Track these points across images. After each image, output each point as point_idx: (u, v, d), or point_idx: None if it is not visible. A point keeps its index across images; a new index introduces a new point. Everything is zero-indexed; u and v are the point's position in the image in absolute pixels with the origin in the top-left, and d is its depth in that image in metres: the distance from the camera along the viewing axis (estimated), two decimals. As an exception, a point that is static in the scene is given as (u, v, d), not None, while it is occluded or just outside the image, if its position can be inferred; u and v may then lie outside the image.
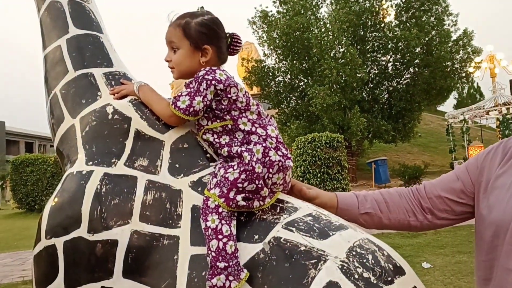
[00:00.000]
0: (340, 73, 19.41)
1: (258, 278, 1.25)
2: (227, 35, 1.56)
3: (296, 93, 22.98)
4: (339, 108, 19.95)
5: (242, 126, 1.43)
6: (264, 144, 1.38)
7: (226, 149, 1.42)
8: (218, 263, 1.25)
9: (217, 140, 1.45)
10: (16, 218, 15.96)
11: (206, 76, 1.42)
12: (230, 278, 1.24)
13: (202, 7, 1.58)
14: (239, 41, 1.58)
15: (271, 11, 22.32)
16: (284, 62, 22.66)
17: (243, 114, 1.44)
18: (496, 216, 1.31)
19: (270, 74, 22.84)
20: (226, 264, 1.25)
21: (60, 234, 1.40)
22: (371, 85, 22.50)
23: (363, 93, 21.90)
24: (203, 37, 1.49)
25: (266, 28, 22.15)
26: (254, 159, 1.34)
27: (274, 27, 21.51)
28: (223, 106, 1.43)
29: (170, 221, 1.39)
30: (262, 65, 22.99)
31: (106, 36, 1.79)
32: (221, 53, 1.54)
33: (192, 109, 1.41)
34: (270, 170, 1.36)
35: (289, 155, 1.43)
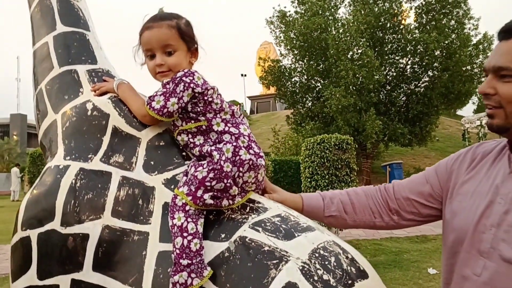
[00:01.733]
0: (357, 75, 19.26)
1: (222, 276, 1.26)
2: None
3: (312, 94, 22.84)
4: (354, 110, 19.79)
5: (215, 127, 1.44)
6: (234, 144, 1.39)
7: (198, 149, 1.43)
8: (181, 260, 1.27)
9: (191, 140, 1.47)
10: (32, 210, 16.23)
11: (184, 78, 1.42)
12: (192, 275, 1.25)
13: (162, 9, 1.58)
14: None
15: (289, 11, 22.28)
16: (300, 62, 22.55)
17: (218, 115, 1.45)
18: (458, 223, 1.32)
19: (287, 74, 22.77)
20: (189, 262, 1.26)
21: (34, 226, 1.44)
22: (388, 88, 22.26)
23: (380, 96, 21.68)
24: (195, 37, 1.54)
25: (283, 28, 22.09)
26: (223, 158, 1.35)
27: (291, 27, 21.42)
28: (198, 109, 1.44)
29: (141, 217, 1.42)
30: (279, 65, 22.96)
31: (93, 34, 1.82)
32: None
33: (166, 110, 1.42)
34: (241, 168, 1.37)
35: (261, 154, 1.44)
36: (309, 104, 22.99)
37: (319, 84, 22.44)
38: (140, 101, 1.53)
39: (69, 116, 1.61)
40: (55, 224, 1.42)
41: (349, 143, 7.56)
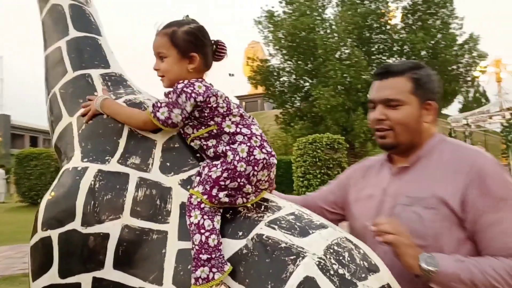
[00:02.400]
0: (345, 75, 19.43)
1: (241, 272, 1.32)
2: (212, 42, 1.62)
3: (300, 94, 22.98)
4: (343, 110, 19.97)
5: (227, 129, 1.49)
6: (249, 144, 1.45)
7: (212, 150, 1.49)
8: (201, 255, 1.32)
9: (204, 143, 1.52)
10: (19, 211, 16.10)
11: (185, 89, 1.48)
12: (214, 270, 1.31)
13: (188, 16, 1.64)
14: (224, 47, 1.64)
15: (277, 11, 22.37)
16: (289, 62, 22.67)
17: (226, 118, 1.51)
18: (358, 226, 1.68)
19: (275, 74, 22.87)
20: (209, 256, 1.32)
21: (55, 226, 1.48)
22: (376, 87, 22.47)
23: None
24: (190, 45, 1.55)
25: (271, 28, 22.18)
26: (237, 158, 1.41)
27: (279, 27, 21.53)
28: (205, 114, 1.50)
29: (160, 217, 1.47)
30: (267, 64, 23.04)
31: (104, 39, 1.86)
32: (207, 59, 1.60)
33: (170, 121, 1.49)
34: (255, 168, 1.43)
35: (273, 153, 1.50)
36: (298, 103, 23.09)
37: (307, 84, 22.59)
38: (133, 110, 1.60)
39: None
40: (75, 224, 1.46)
41: (340, 142, 7.67)
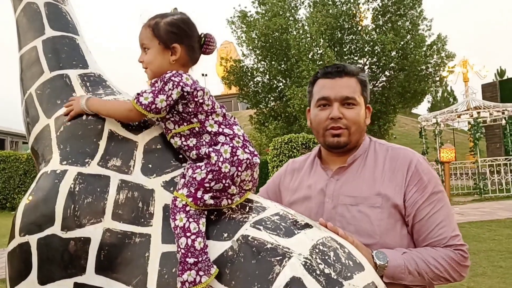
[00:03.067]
0: (318, 75, 19.57)
1: (227, 274, 1.31)
2: (201, 35, 1.60)
3: (274, 94, 23.05)
4: (316, 109, 20.11)
5: (209, 128, 1.48)
6: (231, 144, 1.44)
7: (194, 152, 1.47)
8: (187, 259, 1.31)
9: (184, 143, 1.50)
10: (-14, 216, 15.58)
11: (172, 78, 1.46)
12: (201, 273, 1.30)
13: (176, 8, 1.62)
14: (212, 41, 1.62)
15: (250, 12, 22.38)
16: (262, 62, 22.70)
17: (210, 117, 1.50)
18: None
19: (249, 74, 22.87)
20: (196, 260, 1.31)
21: (34, 232, 1.44)
22: (348, 87, 22.73)
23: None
24: (172, 36, 1.53)
25: (245, 29, 22.18)
26: (221, 159, 1.40)
27: (252, 28, 21.54)
28: (190, 109, 1.48)
29: (142, 220, 1.44)
30: (241, 65, 23.03)
31: (82, 38, 1.82)
32: (192, 52, 1.58)
33: (154, 106, 1.45)
34: (239, 168, 1.42)
35: (255, 152, 1.50)
36: (272, 103, 23.17)
37: (281, 84, 22.67)
38: (118, 102, 1.57)
39: (63, 120, 1.60)
40: (55, 229, 1.42)
41: (316, 142, 7.72)
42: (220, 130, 1.49)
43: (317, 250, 1.31)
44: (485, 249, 6.51)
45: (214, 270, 1.31)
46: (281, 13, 21.19)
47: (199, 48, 1.60)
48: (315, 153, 1.82)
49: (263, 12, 21.99)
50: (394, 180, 1.57)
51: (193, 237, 1.34)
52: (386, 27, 21.76)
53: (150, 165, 1.53)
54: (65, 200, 1.44)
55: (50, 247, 1.42)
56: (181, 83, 1.45)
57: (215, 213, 1.44)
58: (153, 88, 1.48)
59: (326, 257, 1.29)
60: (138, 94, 1.49)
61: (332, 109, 1.63)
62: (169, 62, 1.55)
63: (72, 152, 1.54)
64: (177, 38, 1.54)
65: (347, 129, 1.62)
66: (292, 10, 22.19)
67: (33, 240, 1.43)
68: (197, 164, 1.45)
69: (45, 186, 1.49)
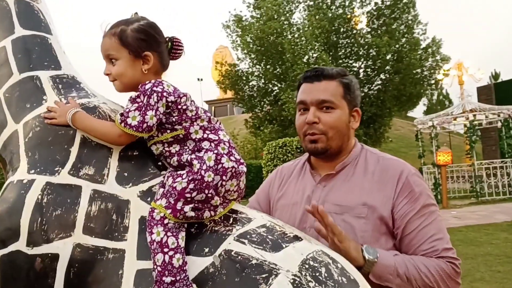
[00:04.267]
0: (313, 79, 19.52)
1: (207, 293, 1.19)
2: (167, 39, 1.49)
3: (269, 98, 22.97)
4: (311, 113, 20.06)
5: (193, 135, 1.36)
6: (216, 151, 1.33)
7: (175, 158, 1.35)
8: (164, 278, 1.19)
9: (166, 149, 1.39)
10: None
11: (155, 88, 1.34)
12: None
13: (136, 13, 1.50)
14: (180, 44, 1.51)
15: (245, 16, 22.32)
16: (257, 66, 22.62)
17: (194, 123, 1.38)
18: None
19: (244, 78, 22.78)
20: (173, 279, 1.19)
21: None
22: (343, 91, 22.70)
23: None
24: (142, 43, 1.41)
25: (240, 33, 22.11)
26: (204, 167, 1.28)
27: (248, 32, 21.47)
28: (174, 119, 1.36)
29: (116, 234, 1.32)
30: (236, 69, 22.94)
31: (55, 38, 1.70)
32: (162, 58, 1.47)
33: (145, 125, 1.32)
34: (223, 177, 1.30)
35: (242, 160, 1.38)
36: (267, 108, 23.08)
37: (276, 88, 22.60)
38: (107, 124, 1.41)
39: (32, 126, 1.48)
40: (20, 245, 1.30)
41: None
42: (205, 135, 1.37)
43: (307, 266, 1.19)
44: (482, 253, 6.42)
45: (193, 289, 1.19)
46: (276, 17, 21.14)
47: (168, 54, 1.49)
48: (305, 158, 1.76)
49: (258, 16, 21.94)
50: (383, 191, 1.52)
51: (171, 253, 1.22)
52: (381, 30, 21.76)
53: (126, 174, 1.41)
54: (32, 213, 1.32)
55: (14, 264, 1.29)
56: (164, 93, 1.33)
57: (195, 225, 1.32)
58: (137, 105, 1.34)
59: (317, 274, 1.18)
60: (121, 115, 1.35)
61: (308, 114, 1.59)
62: (141, 71, 1.43)
63: (40, 160, 1.42)
64: (147, 45, 1.42)
65: (324, 134, 1.57)
66: (287, 14, 22.15)
67: None
68: (178, 172, 1.32)
69: (10, 197, 1.36)
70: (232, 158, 1.34)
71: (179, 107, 1.36)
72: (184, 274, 1.20)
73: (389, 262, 1.42)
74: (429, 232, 1.49)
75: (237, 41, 22.48)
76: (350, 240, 1.41)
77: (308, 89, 1.61)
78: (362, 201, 1.52)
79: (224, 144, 1.37)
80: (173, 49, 1.49)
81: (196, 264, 1.24)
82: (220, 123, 1.47)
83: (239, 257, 1.20)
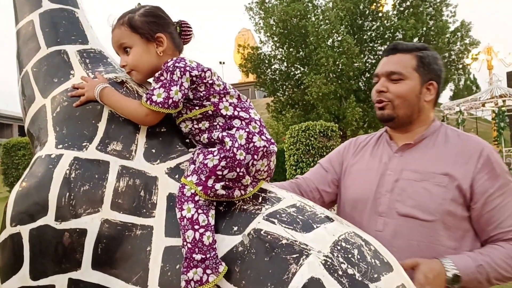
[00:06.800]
0: (337, 62, 19.22)
1: (236, 272, 1.17)
2: (175, 23, 1.47)
3: (292, 82, 22.71)
4: (335, 97, 19.79)
5: (223, 111, 1.33)
6: (247, 129, 1.29)
7: (206, 135, 1.33)
8: (194, 255, 1.17)
9: (196, 126, 1.36)
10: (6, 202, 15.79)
11: (177, 64, 1.32)
12: (208, 271, 1.16)
13: (139, 3, 1.48)
14: (189, 27, 1.50)
15: (268, -3, 22.02)
16: (280, 49, 22.36)
17: (224, 99, 1.35)
18: (353, 195, 1.71)
19: (266, 62, 22.56)
20: (203, 256, 1.16)
21: (25, 222, 1.31)
22: (368, 75, 22.29)
23: (360, 83, 21.71)
24: (153, 26, 1.40)
25: (263, 15, 21.85)
26: (236, 145, 1.25)
27: (271, 14, 21.19)
28: (201, 94, 1.33)
29: (144, 210, 1.30)
30: (258, 52, 22.74)
31: (82, 12, 1.68)
32: (174, 39, 1.46)
33: (171, 100, 1.30)
34: (255, 156, 1.27)
35: (272, 140, 1.34)
36: (289, 91, 22.88)
37: (299, 72, 22.35)
38: (135, 102, 1.39)
39: (60, 101, 1.46)
40: (48, 219, 1.29)
41: (334, 130, 7.53)
42: (236, 113, 1.33)
43: (339, 247, 1.15)
44: None
45: (222, 268, 1.17)
46: (299, -1, 20.81)
47: (178, 37, 1.47)
48: (383, 130, 1.83)
49: (282, -3, 21.61)
50: (464, 164, 1.54)
51: (201, 230, 1.20)
52: (408, 13, 21.18)
53: (154, 150, 1.39)
54: (60, 188, 1.31)
55: (43, 239, 1.29)
56: (187, 68, 1.31)
57: (224, 203, 1.29)
58: (161, 82, 1.32)
59: (350, 256, 1.14)
60: (147, 94, 1.33)
61: (378, 83, 1.68)
62: (157, 55, 1.41)
63: (68, 135, 1.40)
64: (158, 27, 1.42)
65: (390, 102, 1.63)
66: (311, -4, 21.75)
67: (25, 230, 1.30)
68: (209, 149, 1.30)
69: (38, 172, 1.35)
70: (263, 137, 1.31)
71: (205, 81, 1.33)
72: (214, 252, 1.18)
73: (470, 270, 1.43)
74: (508, 210, 1.51)
75: (260, 23, 22.25)
76: (430, 262, 1.43)
77: (383, 62, 1.70)
78: (444, 170, 1.54)
79: (255, 122, 1.33)
80: (182, 32, 1.48)
81: (225, 242, 1.21)
82: (250, 102, 1.43)
83: (269, 236, 1.17)
